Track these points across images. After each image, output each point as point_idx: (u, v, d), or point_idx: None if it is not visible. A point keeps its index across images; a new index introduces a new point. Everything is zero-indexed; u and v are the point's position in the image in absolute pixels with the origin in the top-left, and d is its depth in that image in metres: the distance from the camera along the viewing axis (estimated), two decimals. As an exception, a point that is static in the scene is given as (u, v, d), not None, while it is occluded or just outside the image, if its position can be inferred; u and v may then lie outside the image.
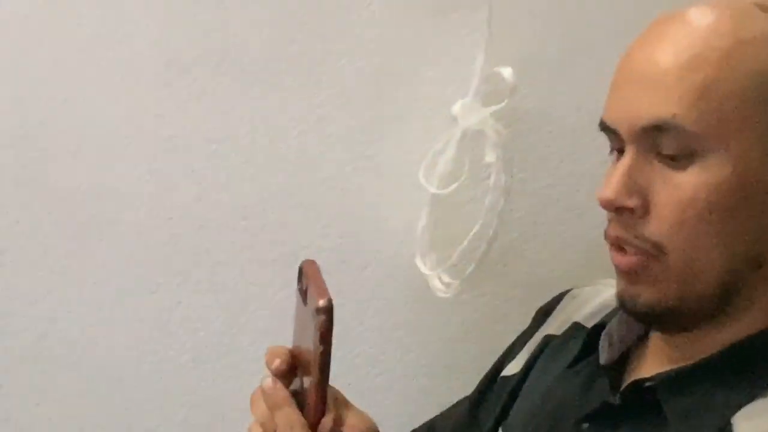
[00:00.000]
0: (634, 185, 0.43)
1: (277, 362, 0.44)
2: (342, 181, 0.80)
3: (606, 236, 0.46)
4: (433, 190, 0.76)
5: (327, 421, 0.42)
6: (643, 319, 0.47)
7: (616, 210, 0.44)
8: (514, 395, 0.57)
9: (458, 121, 0.77)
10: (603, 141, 0.49)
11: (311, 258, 0.45)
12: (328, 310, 0.39)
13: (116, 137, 0.76)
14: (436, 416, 0.67)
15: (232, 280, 0.79)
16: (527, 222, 0.84)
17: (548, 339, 0.59)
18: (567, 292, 0.64)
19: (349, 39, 0.78)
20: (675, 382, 0.45)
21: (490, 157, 0.77)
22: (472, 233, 0.77)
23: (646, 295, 0.44)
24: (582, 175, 0.82)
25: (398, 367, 0.80)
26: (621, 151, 0.45)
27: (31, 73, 0.74)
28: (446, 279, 0.75)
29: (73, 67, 0.75)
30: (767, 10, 0.44)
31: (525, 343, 0.62)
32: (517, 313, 0.68)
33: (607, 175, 0.45)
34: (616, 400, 0.47)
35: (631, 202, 0.43)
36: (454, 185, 0.76)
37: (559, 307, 0.63)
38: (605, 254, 0.48)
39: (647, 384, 0.45)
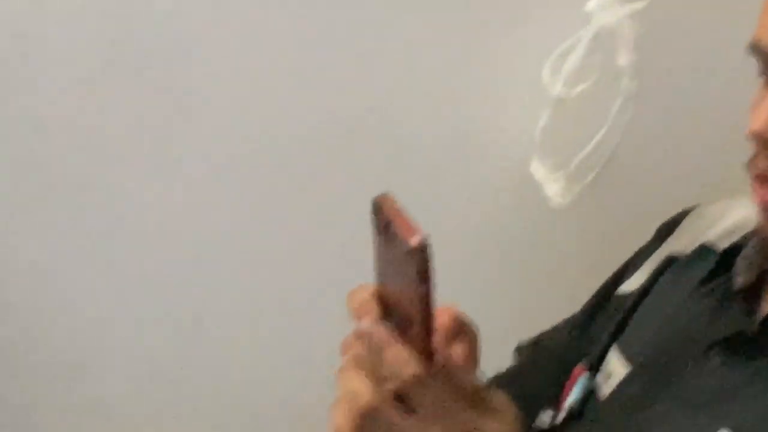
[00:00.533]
0: None
1: (368, 305, 0.39)
2: (457, 76, 0.77)
3: (748, 169, 0.42)
4: (556, 91, 0.72)
5: (439, 358, 0.38)
6: None
7: (765, 143, 0.40)
8: (631, 313, 0.55)
9: (591, 19, 0.72)
10: (750, 60, 0.43)
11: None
12: (424, 249, 0.33)
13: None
14: (544, 331, 0.66)
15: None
16: (656, 134, 0.79)
17: (672, 258, 0.56)
18: (693, 208, 0.60)
19: None
20: None
21: (623, 60, 0.72)
22: (595, 140, 0.73)
23: None
24: (720, 89, 0.75)
25: (503, 278, 0.80)
26: None
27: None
28: (563, 185, 0.72)
29: None
30: None
31: (645, 261, 0.59)
32: (637, 229, 0.65)
33: (755, 103, 0.41)
34: (753, 327, 0.44)
35: None
36: (581, 87, 0.72)
37: (684, 225, 0.59)
38: (739, 174, 0.44)
39: None
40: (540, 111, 0.75)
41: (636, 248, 0.63)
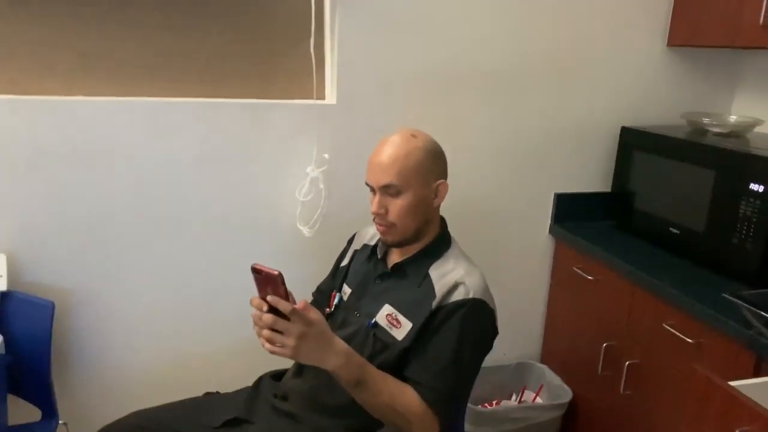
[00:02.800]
0: (382, 205, 1.36)
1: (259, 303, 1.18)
2: (257, 189, 1.76)
3: (374, 218, 1.43)
4: (301, 198, 1.74)
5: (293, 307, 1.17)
6: (390, 245, 1.44)
7: (377, 215, 1.41)
8: (347, 272, 1.54)
9: (308, 173, 1.77)
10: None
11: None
12: (280, 274, 1.11)
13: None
14: (320, 283, 1.62)
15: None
16: (341, 206, 1.85)
17: (355, 252, 1.58)
18: (357, 231, 1.64)
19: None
20: (409, 261, 1.38)
21: (321, 184, 1.78)
22: (317, 213, 1.76)
23: (390, 239, 1.40)
24: (365, 196, 1.50)
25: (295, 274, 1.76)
26: (374, 192, 1.41)
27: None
28: (308, 230, 1.74)
29: None
30: (416, 136, 1.42)
31: (346, 253, 1.61)
32: (340, 245, 1.67)
33: (373, 201, 1.39)
34: (388, 270, 1.44)
35: (382, 210, 1.36)
36: (310, 195, 1.75)
37: (356, 237, 1.62)
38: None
39: (399, 263, 1.42)
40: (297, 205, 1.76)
41: (340, 250, 1.65)
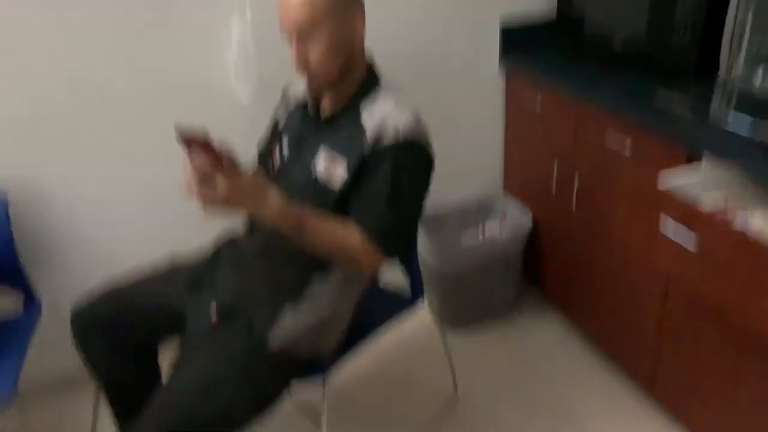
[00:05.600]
0: (301, 54, 1.33)
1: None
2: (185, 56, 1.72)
3: (297, 69, 1.41)
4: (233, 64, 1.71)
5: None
6: (317, 90, 1.41)
7: (299, 66, 1.36)
8: (284, 130, 1.52)
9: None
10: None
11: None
12: (204, 135, 1.11)
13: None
14: (260, 143, 1.64)
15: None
16: (275, 67, 1.80)
17: (289, 112, 1.57)
18: (288, 84, 1.61)
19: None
20: (341, 112, 1.37)
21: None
22: (250, 77, 1.74)
23: (315, 85, 1.37)
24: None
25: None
26: (291, 41, 1.39)
27: None
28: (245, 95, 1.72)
29: None
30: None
31: (280, 111, 1.59)
32: (274, 100, 1.65)
33: (291, 53, 1.37)
34: (322, 122, 1.42)
35: (302, 60, 1.33)
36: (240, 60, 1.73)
37: (287, 94, 1.60)
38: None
39: (331, 116, 1.41)
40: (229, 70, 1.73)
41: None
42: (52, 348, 1.82)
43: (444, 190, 2.26)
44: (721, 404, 1.49)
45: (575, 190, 1.86)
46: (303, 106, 1.50)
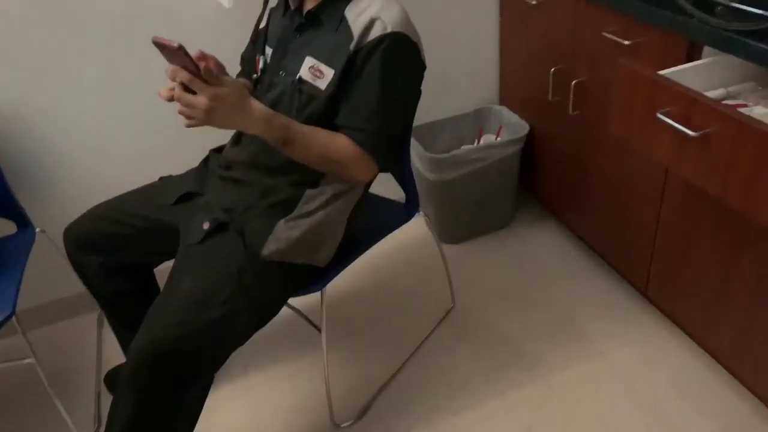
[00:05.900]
0: None
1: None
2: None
3: None
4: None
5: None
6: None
7: None
8: (266, 34, 1.45)
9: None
10: None
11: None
12: (181, 47, 1.03)
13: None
14: (243, 51, 1.58)
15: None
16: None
17: (271, 11, 1.50)
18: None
19: None
20: (322, 6, 1.32)
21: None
22: None
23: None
24: None
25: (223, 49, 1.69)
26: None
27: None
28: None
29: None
30: None
31: (263, 16, 1.52)
32: (257, 8, 1.58)
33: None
34: (303, 19, 1.36)
35: None
36: None
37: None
38: None
39: (312, 10, 1.33)
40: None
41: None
42: (52, 274, 1.83)
43: (437, 103, 2.22)
44: (714, 302, 1.50)
45: (572, 93, 1.81)
46: (285, 3, 1.42)
